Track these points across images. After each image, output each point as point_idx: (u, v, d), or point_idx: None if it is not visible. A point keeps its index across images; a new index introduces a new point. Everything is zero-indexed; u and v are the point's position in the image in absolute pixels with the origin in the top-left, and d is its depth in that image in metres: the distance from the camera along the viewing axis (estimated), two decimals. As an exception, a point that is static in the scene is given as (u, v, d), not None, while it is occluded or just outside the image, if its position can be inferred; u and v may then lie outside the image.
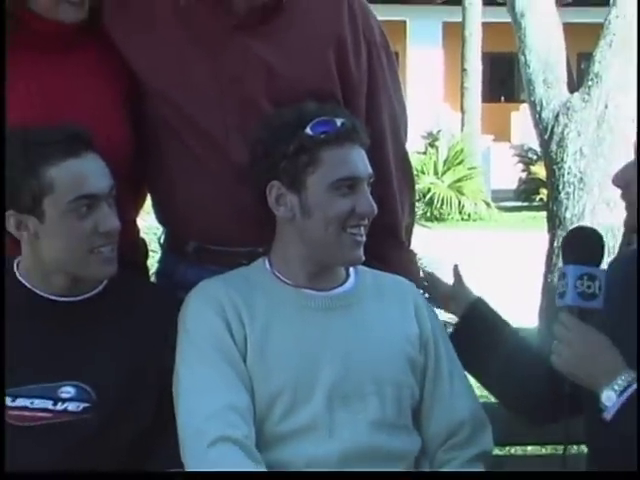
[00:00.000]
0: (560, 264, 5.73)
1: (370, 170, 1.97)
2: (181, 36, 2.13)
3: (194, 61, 2.13)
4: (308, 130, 1.91)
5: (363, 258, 2.00)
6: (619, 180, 1.85)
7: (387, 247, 2.23)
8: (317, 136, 1.91)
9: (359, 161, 1.95)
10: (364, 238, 1.97)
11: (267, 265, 2.03)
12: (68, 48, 2.14)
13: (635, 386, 1.70)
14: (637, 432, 1.66)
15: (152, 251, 2.43)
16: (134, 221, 2.33)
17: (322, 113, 1.94)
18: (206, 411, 1.86)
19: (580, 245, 1.85)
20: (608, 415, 1.72)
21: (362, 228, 1.96)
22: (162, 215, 2.33)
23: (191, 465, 1.86)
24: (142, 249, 2.36)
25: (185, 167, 2.17)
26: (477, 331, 2.13)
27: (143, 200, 2.41)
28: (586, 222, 5.25)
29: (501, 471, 1.84)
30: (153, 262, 2.43)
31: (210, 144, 2.14)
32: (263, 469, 1.83)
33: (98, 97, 2.15)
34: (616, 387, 1.71)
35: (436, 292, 2.22)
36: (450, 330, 2.17)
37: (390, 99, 2.26)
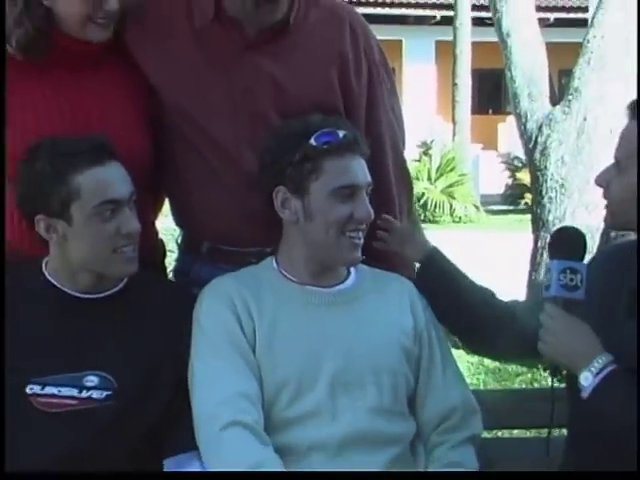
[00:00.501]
0: (544, 262, 5.75)
1: (369, 179, 1.96)
2: (197, 54, 2.13)
3: (209, 78, 2.13)
4: (312, 141, 1.91)
5: (360, 259, 2.01)
6: (601, 180, 1.86)
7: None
8: (320, 146, 1.91)
9: (359, 170, 1.94)
10: (362, 241, 1.97)
11: (274, 264, 2.02)
12: (95, 66, 2.14)
13: (610, 368, 1.72)
14: (637, 431, 1.66)
15: (169, 251, 2.43)
16: (153, 223, 2.33)
17: (326, 125, 1.94)
18: (219, 398, 1.86)
19: (564, 242, 1.86)
20: (585, 394, 1.74)
21: (360, 232, 1.95)
22: (179, 218, 2.33)
23: (205, 448, 1.86)
24: (160, 249, 2.36)
25: (201, 176, 2.17)
26: (436, 279, 2.13)
27: (161, 204, 2.41)
28: (567, 224, 5.25)
29: (500, 471, 1.82)
30: (170, 261, 2.43)
31: (223, 155, 2.13)
32: (271, 451, 1.83)
33: (122, 111, 2.15)
34: (593, 369, 1.73)
35: (393, 234, 2.17)
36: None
37: (388, 112, 2.26)
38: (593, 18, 5.69)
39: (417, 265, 2.21)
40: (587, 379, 1.73)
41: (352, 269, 2.05)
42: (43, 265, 2.00)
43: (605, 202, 1.88)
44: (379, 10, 17.59)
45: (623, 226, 1.92)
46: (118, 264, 1.94)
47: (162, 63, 2.15)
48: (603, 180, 1.85)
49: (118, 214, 1.91)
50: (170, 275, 2.40)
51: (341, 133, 1.93)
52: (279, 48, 2.12)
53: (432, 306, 2.09)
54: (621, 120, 1.87)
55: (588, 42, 5.62)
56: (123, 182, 1.93)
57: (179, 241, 2.37)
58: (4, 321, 1.90)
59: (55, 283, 1.98)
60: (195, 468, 1.89)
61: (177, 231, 2.39)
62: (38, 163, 1.91)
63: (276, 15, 2.08)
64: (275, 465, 1.82)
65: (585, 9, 12.58)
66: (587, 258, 1.92)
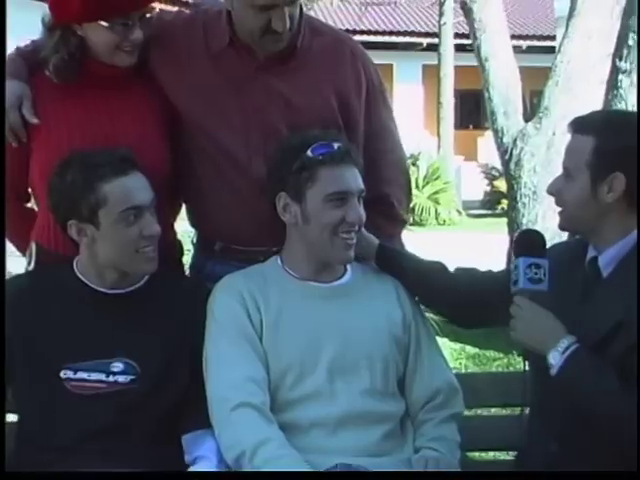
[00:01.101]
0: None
1: (361, 186, 1.95)
2: (213, 77, 2.13)
3: (224, 96, 2.12)
4: (309, 152, 1.90)
5: (353, 258, 1.99)
6: (552, 189, 1.87)
7: (392, 228, 2.28)
8: (316, 157, 1.90)
9: (351, 178, 1.93)
10: (354, 241, 1.95)
11: (279, 262, 2.01)
12: (122, 87, 2.13)
13: (574, 346, 1.73)
14: (638, 432, 1.65)
15: (187, 250, 2.41)
16: (172, 226, 2.31)
17: (322, 138, 1.93)
18: (229, 382, 1.86)
19: (528, 242, 1.86)
20: (554, 370, 1.75)
21: (353, 233, 1.94)
22: (195, 221, 2.32)
23: (217, 426, 1.86)
24: (179, 248, 2.33)
25: (216, 185, 2.16)
26: (392, 268, 2.10)
27: (179, 209, 2.39)
28: (538, 226, 5.27)
29: (499, 471, 1.78)
30: (187, 259, 2.42)
31: (236, 166, 2.12)
32: (276, 429, 1.83)
33: (145, 127, 2.14)
34: (559, 348, 1.74)
35: None
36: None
37: (385, 119, 2.26)
38: (560, 46, 5.70)
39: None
40: (555, 358, 1.74)
41: (348, 266, 2.04)
42: (74, 264, 1.99)
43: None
44: (372, 38, 17.62)
45: (577, 229, 1.92)
46: (140, 263, 1.94)
47: (182, 85, 2.14)
48: (554, 189, 1.86)
49: (140, 219, 1.90)
50: (187, 271, 2.39)
51: (335, 145, 1.92)
52: (288, 69, 2.12)
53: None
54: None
55: (556, 67, 5.63)
56: (145, 190, 1.93)
57: (194, 240, 2.36)
58: (4, 322, 1.90)
59: (84, 280, 1.97)
60: (209, 444, 1.89)
61: (193, 232, 2.37)
62: (69, 174, 1.90)
63: (281, 44, 2.07)
64: (279, 440, 1.81)
65: (553, 37, 12.58)
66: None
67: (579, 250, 1.90)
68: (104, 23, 2.03)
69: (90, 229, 1.90)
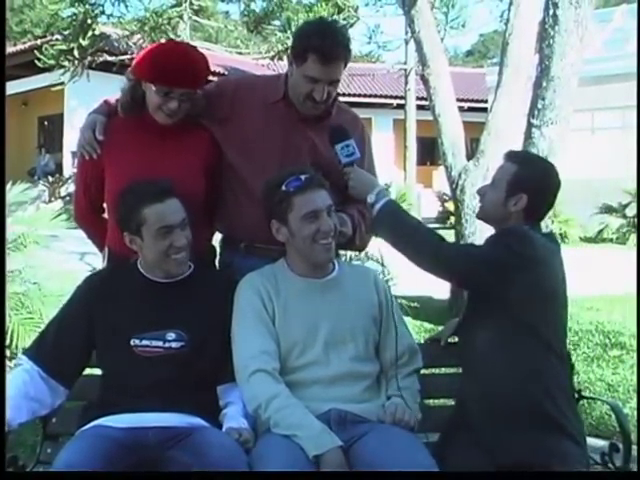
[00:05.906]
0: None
1: (328, 202, 1.89)
2: (264, 118, 2.11)
3: (269, 135, 2.10)
4: (284, 187, 1.85)
5: (331, 259, 1.95)
6: (480, 191, 2.00)
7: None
8: (289, 189, 1.85)
9: (319, 199, 1.87)
10: (332, 245, 1.91)
11: (285, 264, 1.97)
12: (173, 135, 2.07)
13: (383, 190, 1.92)
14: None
15: (220, 254, 2.35)
16: (209, 235, 2.26)
17: (293, 174, 1.88)
18: (249, 353, 1.82)
19: (336, 133, 2.00)
20: (376, 207, 1.92)
21: (330, 239, 1.89)
22: (225, 227, 2.25)
23: (240, 386, 1.83)
24: (213, 251, 2.29)
25: (246, 202, 2.11)
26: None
27: (213, 225, 2.29)
28: (476, 237, 5.26)
29: (500, 471, 1.67)
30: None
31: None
32: (283, 387, 1.79)
33: (189, 166, 2.08)
34: (374, 191, 1.95)
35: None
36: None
37: (368, 161, 2.23)
38: (491, 107, 5.72)
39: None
40: (371, 198, 1.92)
41: (336, 264, 1.99)
42: (138, 262, 1.96)
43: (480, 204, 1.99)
44: (357, 99, 17.49)
45: (488, 220, 2.01)
46: (173, 266, 1.91)
47: (229, 138, 2.12)
48: (482, 191, 1.99)
49: (171, 234, 1.87)
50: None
51: (303, 177, 1.86)
52: (319, 126, 2.11)
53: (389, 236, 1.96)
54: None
55: (488, 122, 5.64)
56: (176, 213, 1.88)
57: (222, 242, 2.28)
58: (4, 320, 1.86)
59: (144, 273, 1.94)
60: (236, 393, 1.86)
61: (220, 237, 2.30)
62: (124, 200, 1.89)
63: (316, 111, 2.09)
64: (285, 394, 1.78)
65: (486, 101, 12.63)
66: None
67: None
68: (152, 86, 1.99)
69: (137, 240, 1.88)
